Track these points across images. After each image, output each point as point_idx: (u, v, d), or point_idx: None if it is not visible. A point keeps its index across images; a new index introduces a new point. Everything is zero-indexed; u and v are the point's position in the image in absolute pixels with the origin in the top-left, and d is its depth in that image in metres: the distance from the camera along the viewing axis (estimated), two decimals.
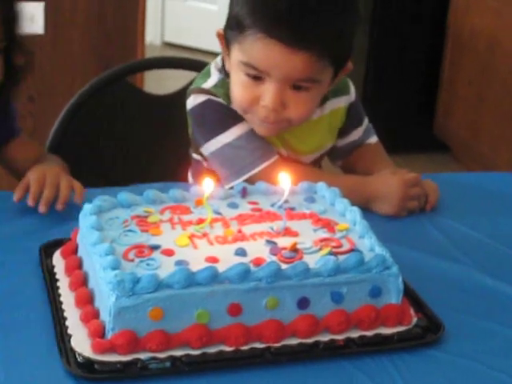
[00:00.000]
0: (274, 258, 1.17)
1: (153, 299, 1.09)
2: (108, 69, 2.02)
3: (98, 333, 1.11)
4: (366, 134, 1.74)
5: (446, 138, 3.96)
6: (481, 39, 3.67)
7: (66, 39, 2.99)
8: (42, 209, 1.44)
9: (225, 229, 1.25)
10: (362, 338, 1.16)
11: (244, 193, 1.36)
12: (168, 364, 1.09)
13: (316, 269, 1.15)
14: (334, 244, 1.22)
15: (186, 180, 1.74)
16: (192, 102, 1.61)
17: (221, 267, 1.13)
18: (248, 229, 1.25)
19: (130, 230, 1.23)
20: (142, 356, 1.09)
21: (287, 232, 1.25)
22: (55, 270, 1.28)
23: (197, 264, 1.14)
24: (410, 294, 1.25)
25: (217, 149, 1.58)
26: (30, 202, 1.45)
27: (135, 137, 2.03)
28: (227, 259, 1.16)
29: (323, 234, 1.25)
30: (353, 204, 1.32)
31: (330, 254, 1.19)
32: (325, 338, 1.16)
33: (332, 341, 1.15)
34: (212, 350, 1.12)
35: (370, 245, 1.23)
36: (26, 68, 1.58)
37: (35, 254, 1.32)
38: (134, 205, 1.30)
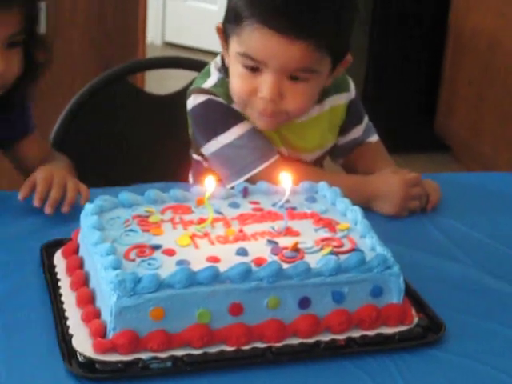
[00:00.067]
0: (276, 258, 1.17)
1: (154, 299, 1.09)
2: (108, 69, 2.02)
3: (99, 333, 1.11)
4: (366, 132, 1.74)
5: (446, 137, 3.96)
6: (482, 39, 3.67)
7: (66, 39, 2.99)
8: (48, 210, 1.44)
9: (226, 228, 1.25)
10: (363, 337, 1.16)
11: (245, 192, 1.36)
12: (169, 364, 1.09)
13: (317, 268, 1.15)
14: (335, 244, 1.22)
15: (186, 181, 1.74)
16: (192, 102, 1.60)
17: (222, 267, 1.13)
18: (249, 228, 1.25)
19: (131, 230, 1.23)
20: (143, 356, 1.09)
21: (288, 232, 1.25)
22: (56, 269, 1.28)
23: (198, 264, 1.14)
24: (411, 294, 1.25)
25: (217, 149, 1.58)
26: (37, 202, 1.44)
27: (136, 137, 2.03)
28: (228, 259, 1.16)
29: (324, 233, 1.25)
30: (354, 203, 1.32)
31: (331, 253, 1.19)
32: (326, 337, 1.16)
33: (333, 340, 1.15)
34: (213, 349, 1.12)
35: (371, 244, 1.23)
36: (45, 64, 1.59)
37: (36, 254, 1.32)
38: (135, 205, 1.30)
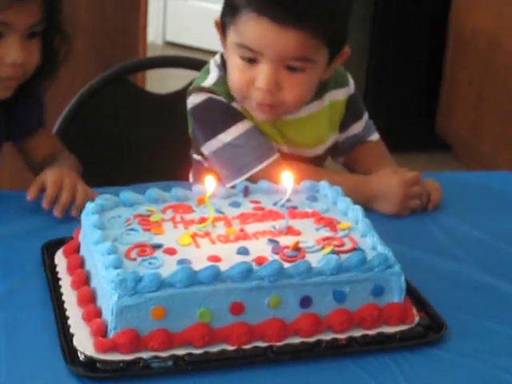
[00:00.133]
0: (277, 257, 1.17)
1: (155, 298, 1.09)
2: (109, 68, 2.02)
3: (100, 332, 1.11)
4: (366, 129, 1.74)
5: (446, 137, 3.96)
6: (482, 39, 3.66)
7: None
8: (58, 214, 1.43)
9: (227, 228, 1.25)
10: (364, 336, 1.16)
11: (246, 192, 1.36)
12: (170, 363, 1.09)
13: (318, 268, 1.15)
14: (336, 243, 1.22)
15: (187, 181, 1.73)
16: (192, 101, 1.60)
17: (223, 266, 1.13)
18: (250, 228, 1.25)
19: (132, 229, 1.23)
20: (145, 355, 1.09)
21: (289, 231, 1.25)
22: (57, 268, 1.28)
23: (199, 263, 1.14)
24: (412, 293, 1.25)
25: (217, 148, 1.58)
26: (46, 206, 1.44)
27: (136, 136, 2.03)
28: (229, 258, 1.16)
29: (325, 232, 1.25)
30: (354, 203, 1.32)
31: (333, 252, 1.19)
32: (327, 336, 1.16)
33: (334, 340, 1.15)
34: (214, 348, 1.12)
35: (372, 243, 1.23)
36: (65, 54, 1.57)
37: (37, 253, 1.32)
38: (137, 204, 1.30)
